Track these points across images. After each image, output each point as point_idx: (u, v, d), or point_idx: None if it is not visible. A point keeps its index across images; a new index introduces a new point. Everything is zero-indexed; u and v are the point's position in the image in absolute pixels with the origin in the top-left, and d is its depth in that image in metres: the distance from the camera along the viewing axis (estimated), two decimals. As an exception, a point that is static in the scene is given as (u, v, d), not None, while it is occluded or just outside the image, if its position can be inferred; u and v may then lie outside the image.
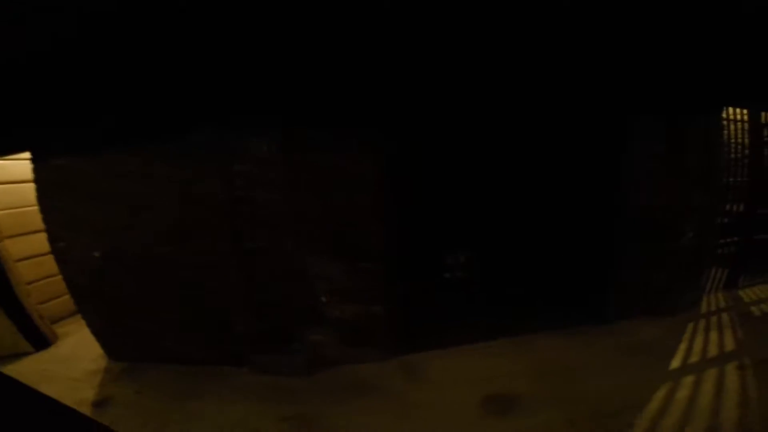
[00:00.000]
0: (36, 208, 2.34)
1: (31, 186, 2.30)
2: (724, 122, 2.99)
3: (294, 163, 1.96)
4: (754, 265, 3.35)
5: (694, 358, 2.25)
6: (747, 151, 3.18)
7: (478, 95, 2.44)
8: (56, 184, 2.25)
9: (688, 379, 2.02)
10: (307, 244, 2.10)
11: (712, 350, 2.33)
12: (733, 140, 3.10)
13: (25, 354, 2.70)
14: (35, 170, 2.24)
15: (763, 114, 3.22)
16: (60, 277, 2.46)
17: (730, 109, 3.10)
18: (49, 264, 2.57)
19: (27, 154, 2.29)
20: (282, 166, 1.95)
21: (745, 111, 3.19)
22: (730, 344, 2.40)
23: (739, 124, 3.18)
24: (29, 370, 2.53)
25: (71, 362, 2.61)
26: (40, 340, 2.81)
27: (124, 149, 2.13)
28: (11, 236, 2.80)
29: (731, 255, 3.25)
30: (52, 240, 2.36)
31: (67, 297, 2.62)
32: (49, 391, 2.19)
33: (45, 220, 2.32)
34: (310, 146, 1.97)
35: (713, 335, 2.51)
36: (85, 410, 2.05)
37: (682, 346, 2.39)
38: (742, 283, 3.31)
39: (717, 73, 2.36)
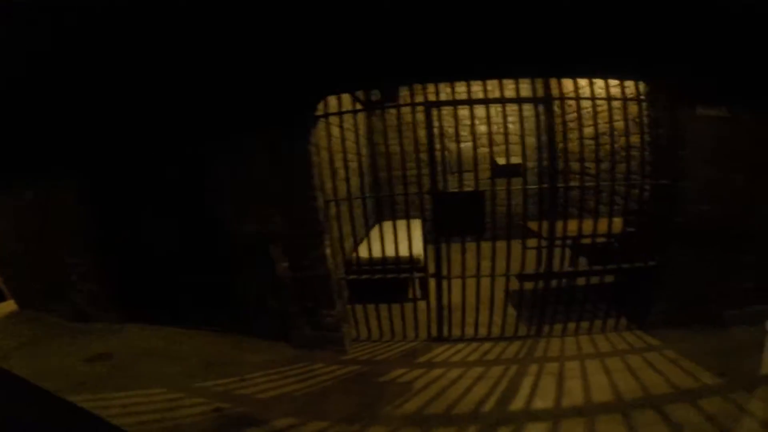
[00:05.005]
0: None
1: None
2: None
3: (42, 201, 3.65)
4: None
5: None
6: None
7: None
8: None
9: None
10: (62, 246, 3.79)
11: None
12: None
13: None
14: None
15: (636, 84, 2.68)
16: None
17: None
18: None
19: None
20: (36, 203, 3.68)
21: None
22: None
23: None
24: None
25: (5, 309, 4.61)
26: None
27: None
28: None
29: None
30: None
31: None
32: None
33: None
34: (46, 189, 3.60)
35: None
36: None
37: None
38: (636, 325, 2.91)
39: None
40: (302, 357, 2.93)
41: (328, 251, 2.79)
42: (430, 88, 4.29)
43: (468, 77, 2.42)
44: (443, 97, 5.23)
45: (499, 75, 2.45)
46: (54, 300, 4.02)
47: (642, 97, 2.66)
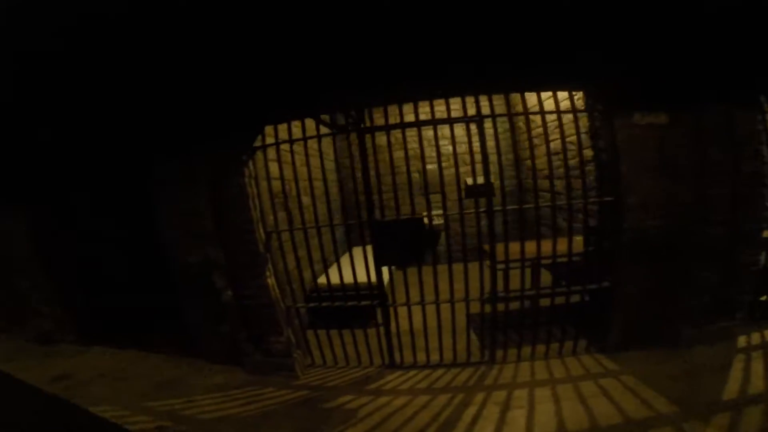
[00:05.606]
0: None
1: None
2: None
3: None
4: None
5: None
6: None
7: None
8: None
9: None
10: (19, 271, 3.85)
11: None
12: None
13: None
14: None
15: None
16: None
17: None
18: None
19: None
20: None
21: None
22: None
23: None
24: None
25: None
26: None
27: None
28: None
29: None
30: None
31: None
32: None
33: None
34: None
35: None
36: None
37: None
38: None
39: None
40: (254, 382, 2.92)
41: (270, 281, 2.77)
42: (406, 108, 4.34)
43: (400, 101, 2.46)
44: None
45: (431, 96, 2.48)
46: (17, 324, 4.07)
47: (579, 108, 2.62)
